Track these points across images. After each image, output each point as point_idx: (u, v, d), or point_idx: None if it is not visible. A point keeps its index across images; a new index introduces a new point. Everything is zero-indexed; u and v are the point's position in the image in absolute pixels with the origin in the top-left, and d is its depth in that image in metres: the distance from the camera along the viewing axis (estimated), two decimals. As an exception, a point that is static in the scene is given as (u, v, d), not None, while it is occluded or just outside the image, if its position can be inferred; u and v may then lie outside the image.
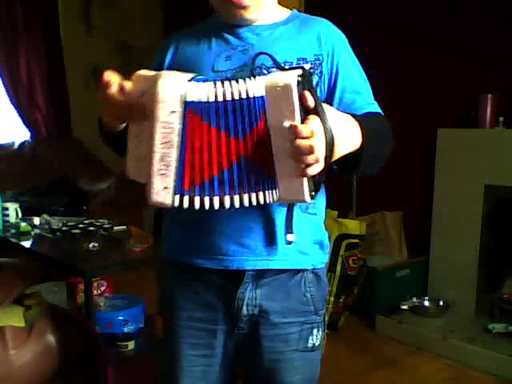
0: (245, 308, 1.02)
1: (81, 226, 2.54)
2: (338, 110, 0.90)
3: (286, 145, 0.79)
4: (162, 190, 0.83)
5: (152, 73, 0.87)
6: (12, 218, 2.62)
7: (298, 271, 1.04)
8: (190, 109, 0.81)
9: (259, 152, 0.83)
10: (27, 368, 1.66)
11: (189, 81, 0.83)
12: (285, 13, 1.06)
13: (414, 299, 2.94)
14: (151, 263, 2.13)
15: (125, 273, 2.65)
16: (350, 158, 0.89)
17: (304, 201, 0.83)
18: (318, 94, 0.96)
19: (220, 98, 0.81)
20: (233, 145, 0.83)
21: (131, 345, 2.30)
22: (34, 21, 4.13)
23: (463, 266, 2.89)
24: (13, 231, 2.57)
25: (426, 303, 2.96)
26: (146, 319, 2.52)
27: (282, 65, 0.95)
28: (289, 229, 0.98)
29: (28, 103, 4.20)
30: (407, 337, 2.76)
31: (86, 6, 4.43)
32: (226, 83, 0.82)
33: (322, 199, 1.06)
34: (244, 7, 0.98)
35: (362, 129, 0.89)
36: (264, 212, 0.98)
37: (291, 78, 0.80)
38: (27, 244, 2.45)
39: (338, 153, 0.84)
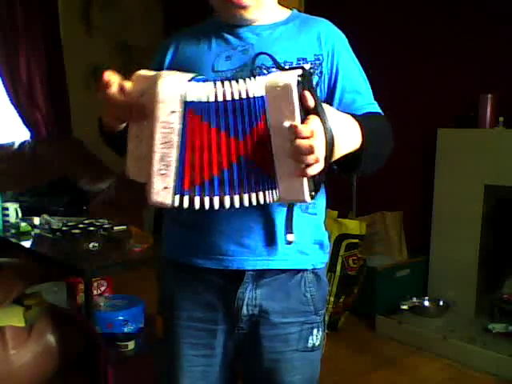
0: (245, 308, 1.02)
1: (81, 226, 2.54)
2: (337, 110, 0.90)
3: (286, 145, 0.79)
4: (162, 190, 0.83)
5: (152, 73, 0.87)
6: (12, 218, 2.62)
7: (298, 271, 1.04)
8: (190, 109, 0.81)
9: (259, 152, 0.83)
10: (27, 368, 1.66)
11: (189, 81, 0.83)
12: (285, 13, 1.06)
13: (414, 299, 2.94)
14: (151, 263, 2.13)
15: (125, 273, 2.65)
16: (350, 158, 0.89)
17: (304, 201, 0.83)
18: (318, 94, 0.96)
19: (220, 98, 0.81)
20: (233, 145, 0.83)
21: (131, 345, 2.30)
22: (34, 21, 4.13)
23: (463, 266, 2.89)
24: (13, 231, 2.57)
25: (426, 303, 2.96)
26: (146, 319, 2.52)
27: (282, 65, 0.95)
28: (289, 229, 0.98)
29: (28, 103, 4.20)
30: (407, 337, 2.76)
31: (86, 6, 4.43)
32: (226, 83, 0.82)
33: (322, 199, 1.06)
34: (244, 7, 0.98)
35: (362, 129, 0.89)
36: (264, 212, 0.98)
37: (291, 77, 0.80)
38: (27, 244, 2.45)
39: (338, 153, 0.84)
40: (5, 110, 4.25)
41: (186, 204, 0.84)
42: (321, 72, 1.00)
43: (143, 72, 0.88)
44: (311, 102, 0.79)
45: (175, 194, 0.83)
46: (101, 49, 4.43)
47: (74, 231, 2.48)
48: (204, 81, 0.84)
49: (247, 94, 0.82)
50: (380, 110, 1.04)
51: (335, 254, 2.78)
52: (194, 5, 2.87)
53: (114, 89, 0.86)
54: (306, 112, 0.79)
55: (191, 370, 1.07)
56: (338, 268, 2.80)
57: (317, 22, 1.05)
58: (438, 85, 3.11)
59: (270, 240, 0.99)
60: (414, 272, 3.12)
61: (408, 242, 3.22)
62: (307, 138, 0.76)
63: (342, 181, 3.13)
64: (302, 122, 0.79)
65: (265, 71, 0.96)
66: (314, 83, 0.98)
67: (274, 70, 0.94)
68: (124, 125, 0.92)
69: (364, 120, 0.91)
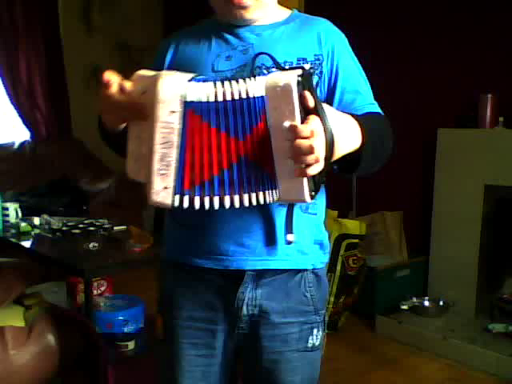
0: (245, 308, 1.02)
1: (81, 226, 2.54)
2: (337, 110, 0.90)
3: (286, 145, 0.79)
4: (162, 190, 0.83)
5: (152, 73, 0.87)
6: (12, 218, 2.62)
7: (298, 271, 1.04)
8: (190, 109, 0.81)
9: (259, 152, 0.83)
10: (27, 368, 1.66)
11: (189, 81, 0.83)
12: (285, 13, 1.06)
13: (414, 299, 2.94)
14: (151, 263, 2.13)
15: (125, 273, 2.66)
16: (350, 158, 0.89)
17: (304, 201, 0.83)
18: (318, 94, 0.96)
19: (220, 98, 0.81)
20: (233, 145, 0.82)
21: (131, 345, 2.30)
22: (33, 21, 4.13)
23: (463, 266, 2.89)
24: (13, 231, 2.57)
25: (426, 303, 2.96)
26: (145, 319, 2.52)
27: (282, 65, 0.95)
28: (289, 229, 0.98)
29: (28, 103, 4.20)
30: (407, 337, 2.76)
31: (86, 6, 4.43)
32: (226, 83, 0.82)
33: (322, 199, 1.06)
34: (245, 7, 0.98)
35: (362, 129, 0.89)
36: (264, 212, 0.98)
37: (291, 77, 0.80)
38: (27, 244, 2.45)
39: (338, 153, 0.84)
40: (5, 110, 4.25)
41: (185, 204, 0.83)
42: (321, 72, 1.00)
43: (143, 72, 0.88)
44: (311, 102, 0.79)
45: (175, 193, 0.83)
46: (101, 49, 4.43)
47: (74, 231, 2.48)
48: (204, 81, 0.84)
49: (247, 94, 0.82)
50: (380, 110, 1.04)
51: (335, 254, 2.78)
52: (194, 5, 2.87)
53: (114, 88, 0.86)
54: (305, 112, 0.79)
55: (191, 370, 1.07)
56: (338, 268, 2.80)
57: (317, 22, 1.05)
58: (437, 85, 3.11)
59: (270, 240, 0.99)
60: (414, 272, 3.12)
61: (408, 241, 3.22)
62: (307, 137, 0.76)
63: (342, 181, 3.13)
64: (302, 121, 0.79)
65: (265, 71, 0.96)
66: (314, 83, 0.98)
67: (274, 69, 0.94)
68: (124, 125, 0.92)
69: (364, 120, 0.91)
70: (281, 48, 0.99)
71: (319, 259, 1.06)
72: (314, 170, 0.78)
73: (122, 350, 2.29)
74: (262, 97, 0.82)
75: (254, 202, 0.84)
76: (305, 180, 0.81)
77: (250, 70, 0.96)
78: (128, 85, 0.86)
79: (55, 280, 2.76)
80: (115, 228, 2.55)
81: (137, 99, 0.84)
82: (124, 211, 3.19)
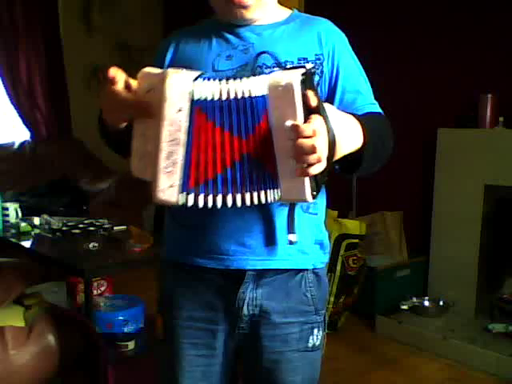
0: (245, 308, 1.02)
1: (81, 226, 2.54)
2: (338, 109, 0.90)
3: (288, 144, 0.79)
4: (168, 188, 0.82)
5: (158, 70, 0.86)
6: (12, 218, 2.62)
7: (299, 271, 1.04)
8: (197, 107, 0.81)
9: (261, 151, 0.83)
10: (27, 368, 1.65)
11: (195, 79, 0.83)
12: (285, 13, 1.06)
13: (414, 299, 2.94)
14: (151, 263, 2.13)
15: (125, 273, 2.66)
16: (351, 158, 0.89)
17: (305, 200, 0.83)
18: (319, 93, 0.96)
19: (224, 97, 0.81)
20: (236, 144, 0.82)
21: (131, 345, 2.30)
22: (33, 21, 4.13)
23: (463, 266, 2.89)
24: (13, 231, 2.57)
25: (426, 303, 2.96)
26: (146, 319, 2.52)
27: (283, 64, 0.95)
28: (291, 229, 0.98)
29: (28, 103, 4.20)
30: (407, 337, 2.76)
31: (86, 6, 4.43)
32: (231, 82, 0.82)
33: (322, 199, 1.06)
34: (245, 7, 0.98)
35: (363, 129, 0.89)
36: (265, 212, 0.98)
37: (293, 77, 0.79)
38: (27, 244, 2.45)
39: (340, 152, 0.84)
40: (5, 110, 4.25)
41: (190, 202, 0.83)
42: (321, 72, 1.00)
43: (149, 69, 0.87)
44: (313, 102, 0.79)
45: (181, 192, 0.83)
46: (101, 49, 4.43)
47: (74, 231, 2.48)
48: (209, 79, 0.84)
49: (250, 93, 0.81)
50: (380, 110, 1.04)
51: (335, 254, 2.78)
52: (194, 5, 2.87)
53: (119, 86, 0.85)
54: (308, 111, 0.79)
55: (191, 370, 1.07)
56: (338, 268, 2.80)
57: (317, 22, 1.05)
58: (437, 85, 3.11)
59: (271, 240, 0.99)
60: (414, 272, 3.12)
61: (408, 241, 3.22)
62: (309, 137, 0.76)
63: (342, 181, 3.13)
64: (305, 121, 0.78)
65: (266, 70, 0.96)
66: (315, 83, 0.98)
67: (275, 69, 0.94)
68: (125, 124, 0.92)
69: (365, 120, 0.91)
70: (281, 48, 0.99)
71: (319, 259, 1.07)
72: (315, 170, 0.78)
73: (122, 350, 2.29)
74: (265, 96, 0.82)
75: (256, 201, 0.84)
76: (306, 180, 0.81)
77: (252, 69, 0.95)
78: (134, 82, 0.85)
79: (55, 280, 2.76)
80: (115, 228, 2.55)
81: (143, 97, 0.84)
82: (124, 211, 3.19)
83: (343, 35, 1.05)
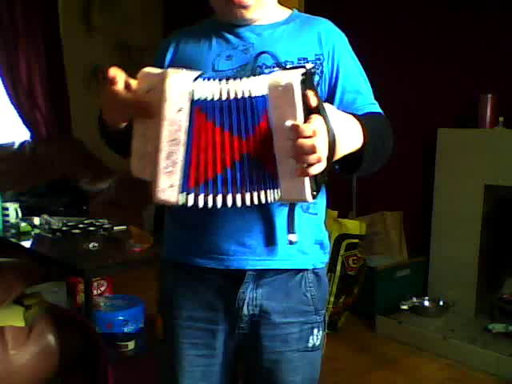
0: (245, 308, 1.02)
1: (81, 226, 2.54)
2: (338, 109, 0.90)
3: (288, 144, 0.79)
4: (168, 188, 0.82)
5: (158, 70, 0.86)
6: (12, 218, 2.62)
7: (299, 271, 1.04)
8: (197, 107, 0.81)
9: (261, 151, 0.83)
10: (27, 368, 1.65)
11: (195, 78, 0.83)
12: (285, 13, 1.06)
13: (414, 299, 2.94)
14: (151, 263, 2.13)
15: (125, 273, 2.66)
16: (352, 158, 0.89)
17: (305, 200, 0.83)
18: (319, 93, 0.96)
19: (224, 97, 0.81)
20: (236, 143, 0.82)
21: (131, 345, 2.30)
22: (34, 21, 4.13)
23: (463, 266, 2.89)
24: (13, 231, 2.57)
25: (426, 303, 2.96)
26: (145, 319, 2.52)
27: (283, 64, 0.95)
28: (291, 229, 0.98)
29: (28, 103, 4.20)
30: (407, 337, 2.76)
31: (86, 6, 4.44)
32: (231, 82, 0.82)
33: (322, 199, 1.06)
34: (245, 7, 0.98)
35: (363, 129, 0.89)
36: (265, 212, 0.98)
37: (294, 77, 0.79)
38: (27, 244, 2.45)
39: (340, 152, 0.84)
40: (5, 110, 4.25)
41: (190, 202, 0.83)
42: (321, 72, 1.00)
43: (149, 69, 0.87)
44: (313, 102, 0.79)
45: (180, 192, 0.83)
46: (101, 49, 4.43)
47: (74, 231, 2.48)
48: (209, 79, 0.84)
49: (250, 93, 0.82)
50: (380, 110, 1.04)
51: (335, 254, 2.78)
52: (194, 5, 2.87)
53: (119, 86, 0.85)
54: (308, 111, 0.79)
55: (191, 370, 1.07)
56: (338, 268, 2.80)
57: (317, 22, 1.05)
58: (437, 85, 3.11)
59: (271, 240, 0.99)
60: (414, 272, 3.12)
61: (408, 241, 3.22)
62: (309, 137, 0.76)
63: (342, 181, 3.13)
64: (305, 121, 0.78)
65: (266, 70, 0.96)
66: (315, 83, 0.98)
67: (275, 69, 0.94)
68: (125, 124, 0.92)
69: (365, 120, 0.91)
70: (281, 48, 0.99)
71: (319, 259, 1.07)
72: (315, 170, 0.78)
73: (122, 350, 2.29)
74: (265, 96, 0.82)
75: (256, 201, 0.84)
76: (306, 180, 0.81)
77: (252, 69, 0.95)
78: (134, 82, 0.85)
79: (55, 280, 2.76)
80: (115, 228, 2.55)
81: (143, 97, 0.84)
82: (124, 211, 3.19)
83: (343, 35, 1.05)
